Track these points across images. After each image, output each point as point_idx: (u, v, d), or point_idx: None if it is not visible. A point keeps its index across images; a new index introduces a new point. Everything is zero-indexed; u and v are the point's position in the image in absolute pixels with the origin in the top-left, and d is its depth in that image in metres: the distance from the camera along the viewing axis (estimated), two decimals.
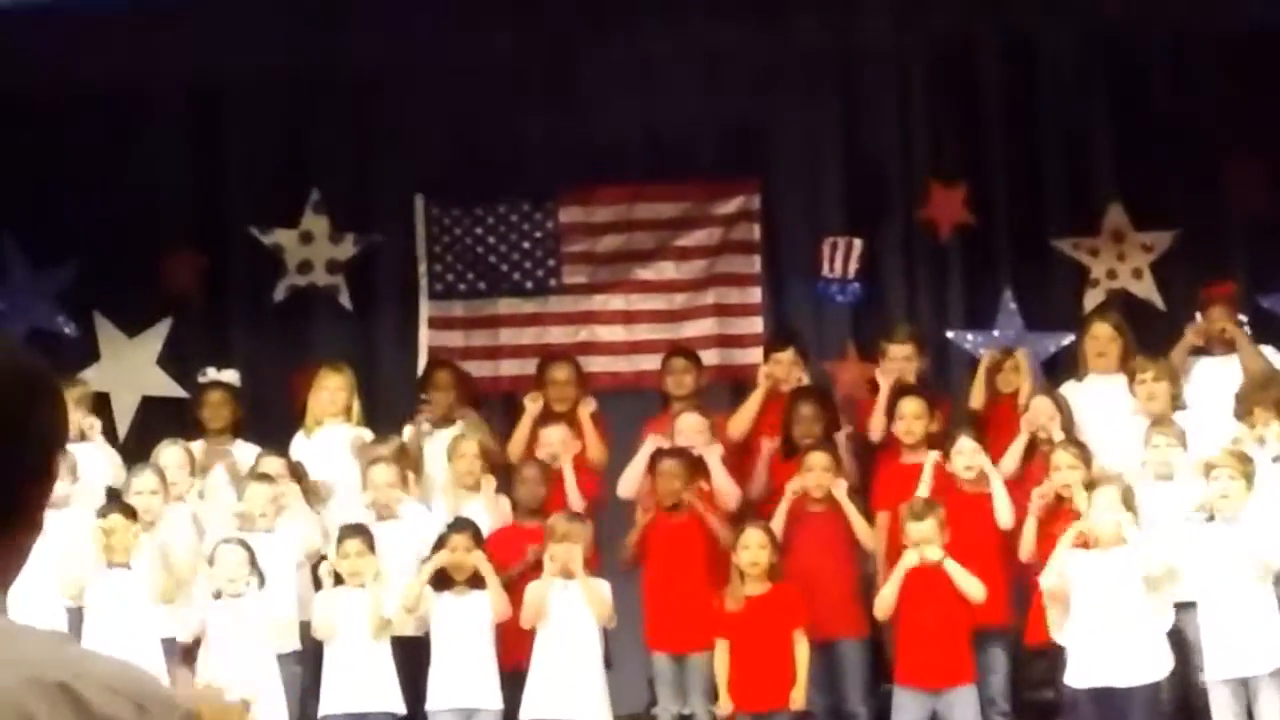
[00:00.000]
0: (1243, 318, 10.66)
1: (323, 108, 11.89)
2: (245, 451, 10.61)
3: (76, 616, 9.65)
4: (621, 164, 11.90)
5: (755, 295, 11.91)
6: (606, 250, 12.01)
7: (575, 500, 10.29)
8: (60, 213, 11.59)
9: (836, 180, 11.91)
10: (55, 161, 11.59)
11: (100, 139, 11.56)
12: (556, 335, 11.90)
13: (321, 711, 9.69)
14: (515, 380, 11.63)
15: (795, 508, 10.04)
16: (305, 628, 9.87)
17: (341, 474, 10.49)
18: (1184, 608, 9.41)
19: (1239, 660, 9.20)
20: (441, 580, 9.79)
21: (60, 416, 2.18)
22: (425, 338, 11.98)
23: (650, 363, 11.42)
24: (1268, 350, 10.50)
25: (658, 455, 10.22)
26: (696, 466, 10.20)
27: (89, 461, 10.12)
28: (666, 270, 12.00)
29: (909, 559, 9.54)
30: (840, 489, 9.98)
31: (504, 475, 10.56)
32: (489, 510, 10.30)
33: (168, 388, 11.82)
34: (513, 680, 9.68)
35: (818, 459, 10.09)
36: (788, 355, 10.92)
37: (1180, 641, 9.38)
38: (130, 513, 9.71)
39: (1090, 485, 9.53)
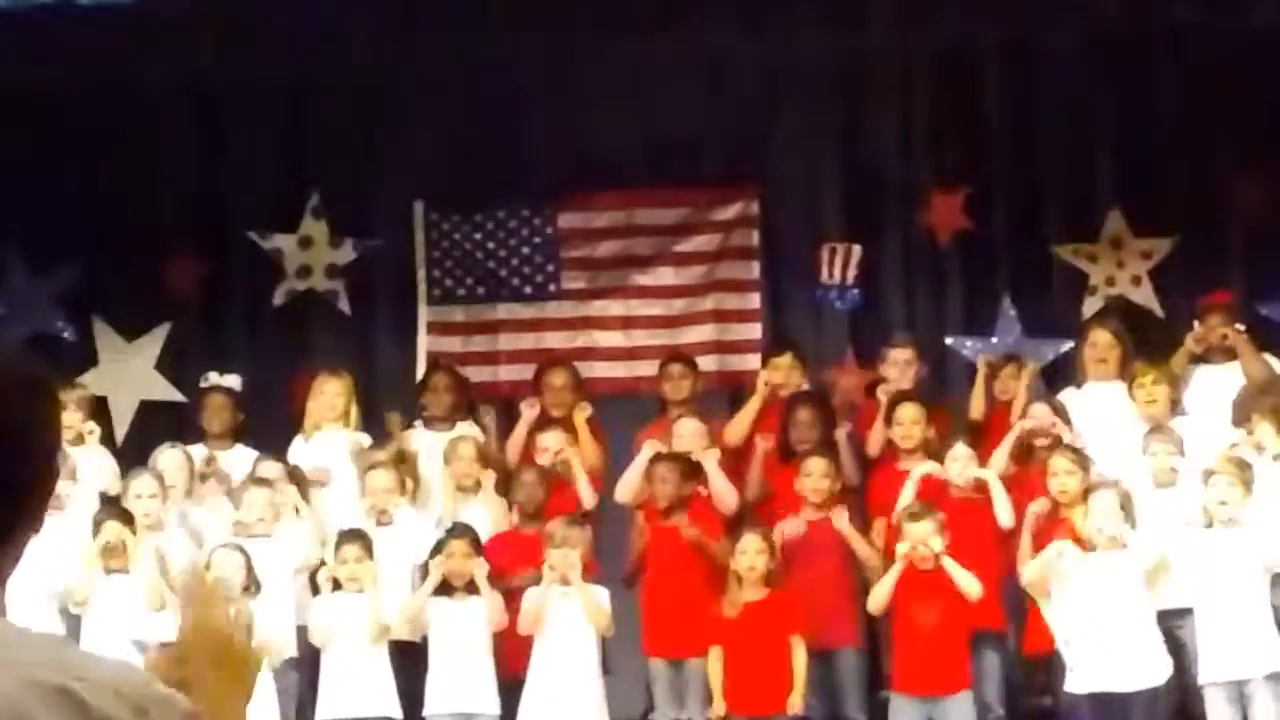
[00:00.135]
0: (1240, 326, 10.66)
1: (323, 113, 11.89)
2: (244, 456, 10.61)
3: (74, 620, 9.65)
4: (621, 169, 11.91)
5: (754, 301, 11.92)
6: (605, 256, 12.02)
7: (587, 495, 10.30)
8: (59, 217, 11.59)
9: (836, 186, 11.91)
10: (55, 165, 11.59)
11: (100, 143, 11.56)
12: (555, 340, 11.90)
13: (319, 716, 9.68)
14: (514, 385, 11.62)
15: (789, 516, 10.06)
16: (302, 633, 9.86)
17: (339, 479, 10.49)
18: (1182, 613, 9.41)
19: (1234, 663, 9.21)
20: (440, 585, 9.79)
21: (60, 419, 2.19)
22: (424, 343, 11.98)
23: (649, 368, 11.42)
24: (1267, 358, 10.51)
25: (655, 459, 10.22)
26: (694, 471, 10.20)
27: (86, 464, 10.12)
28: (665, 276, 12.00)
29: (906, 549, 9.54)
30: (841, 518, 9.94)
31: (502, 480, 10.57)
32: (490, 507, 10.29)
33: (166, 392, 11.82)
34: (513, 688, 9.67)
35: (815, 465, 10.09)
36: (786, 360, 10.93)
37: (1178, 646, 9.38)
38: (127, 518, 9.70)
39: (1087, 491, 9.54)
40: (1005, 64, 11.75)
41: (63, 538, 9.24)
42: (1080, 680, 9.27)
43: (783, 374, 10.85)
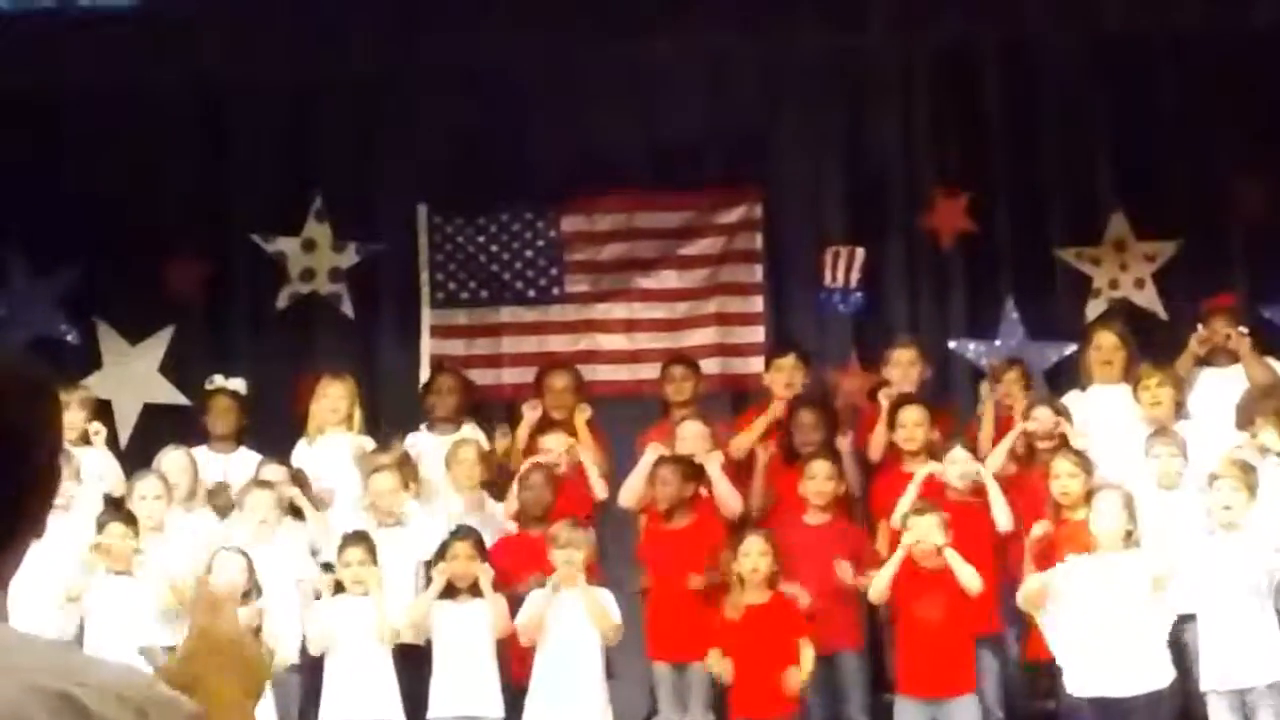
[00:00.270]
0: (1244, 329, 10.65)
1: (325, 116, 11.90)
2: (247, 459, 10.61)
3: (78, 621, 9.65)
4: (624, 172, 11.91)
5: (757, 304, 11.92)
6: (609, 259, 12.02)
7: (599, 487, 10.30)
8: (62, 219, 11.59)
9: (839, 189, 11.91)
10: (57, 167, 11.59)
11: (103, 145, 11.56)
12: (558, 343, 11.91)
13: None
14: (517, 388, 11.61)
15: (793, 519, 10.05)
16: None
17: (343, 482, 10.49)
18: (1185, 617, 9.40)
19: (1238, 671, 9.20)
20: (443, 588, 9.78)
21: (61, 422, 2.19)
22: (427, 346, 11.99)
23: (652, 371, 11.42)
24: (1271, 363, 10.51)
25: (657, 462, 10.21)
26: (696, 473, 10.19)
27: (90, 466, 10.12)
28: (669, 279, 12.00)
29: (908, 540, 9.53)
30: (845, 570, 9.90)
31: (502, 483, 10.59)
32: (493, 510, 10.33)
33: (170, 395, 11.82)
34: (517, 692, 9.66)
35: (819, 468, 10.09)
36: (789, 361, 10.94)
37: (1181, 652, 9.37)
38: (130, 520, 9.70)
39: (1090, 494, 9.53)
40: (1005, 65, 11.75)
41: (67, 539, 9.24)
42: (1082, 684, 9.26)
43: (786, 374, 10.86)
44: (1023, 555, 9.70)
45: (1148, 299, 11.73)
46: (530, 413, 10.85)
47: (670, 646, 9.92)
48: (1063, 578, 9.30)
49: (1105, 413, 10.31)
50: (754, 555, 9.68)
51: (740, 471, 10.52)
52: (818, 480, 10.05)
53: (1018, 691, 9.92)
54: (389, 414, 11.35)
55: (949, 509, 9.73)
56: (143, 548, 9.68)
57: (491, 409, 11.54)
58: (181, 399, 11.71)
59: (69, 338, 11.92)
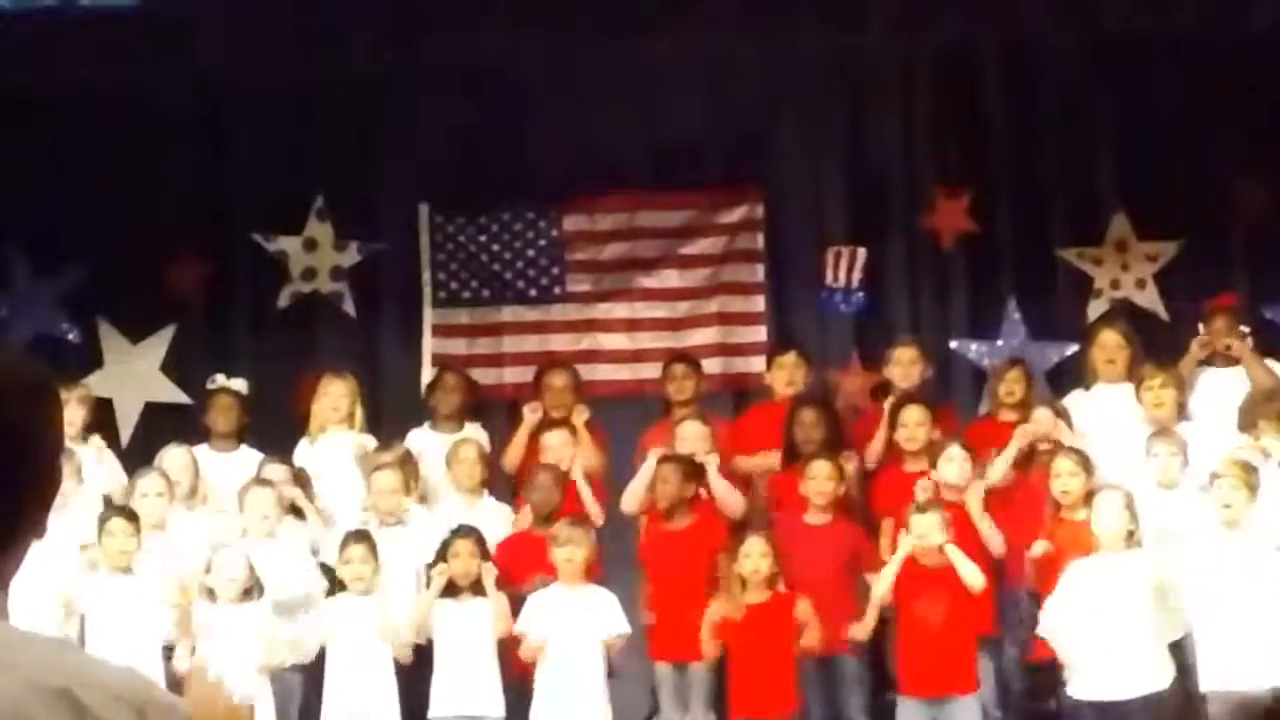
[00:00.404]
0: (1245, 329, 10.66)
1: (327, 115, 11.89)
2: (249, 458, 10.61)
3: (77, 621, 9.64)
4: (625, 172, 11.91)
5: (759, 304, 11.92)
6: (610, 258, 12.02)
7: (595, 514, 10.28)
8: (64, 218, 11.60)
9: (840, 189, 11.91)
10: (59, 167, 11.59)
11: (104, 144, 11.56)
12: (560, 343, 11.91)
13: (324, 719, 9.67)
14: (519, 388, 11.61)
15: (794, 518, 10.06)
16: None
17: (345, 481, 10.49)
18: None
19: (1239, 673, 9.18)
20: (445, 586, 9.78)
21: (62, 422, 2.19)
22: (429, 345, 11.98)
23: (653, 371, 11.42)
24: (1272, 364, 10.51)
25: (658, 461, 10.21)
26: (696, 472, 10.19)
27: (91, 464, 10.12)
28: (670, 278, 12.00)
29: (908, 543, 9.54)
30: (858, 629, 9.88)
31: (504, 484, 10.58)
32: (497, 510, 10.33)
33: (171, 394, 11.82)
34: (520, 690, 9.66)
35: (820, 468, 10.09)
36: (790, 359, 10.95)
37: (1181, 652, 9.37)
38: (131, 517, 9.70)
39: (1090, 494, 9.53)
40: (1006, 65, 11.75)
41: (66, 538, 9.24)
42: (1081, 687, 9.26)
43: (787, 372, 10.86)
44: (1019, 568, 9.72)
45: (1149, 299, 11.73)
46: (530, 415, 10.83)
47: (671, 646, 9.92)
48: (1065, 580, 9.30)
49: (1109, 412, 10.31)
50: (754, 556, 9.67)
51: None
52: (818, 480, 10.05)
53: (1013, 691, 9.92)
54: (390, 413, 11.35)
55: (947, 508, 9.73)
56: (144, 546, 9.67)
57: (492, 408, 11.55)
58: (183, 398, 11.71)
59: (70, 337, 11.92)
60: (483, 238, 12.04)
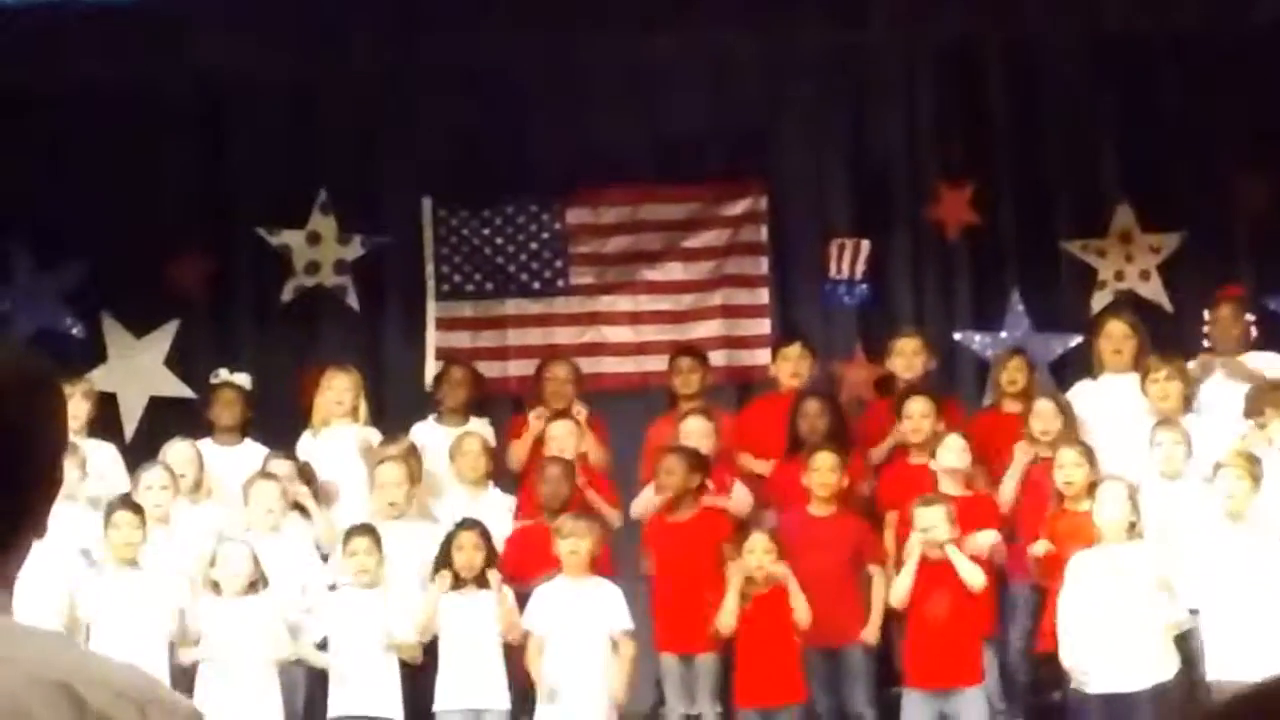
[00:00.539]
0: (1250, 316, 10.65)
1: (329, 109, 11.88)
2: (253, 451, 10.61)
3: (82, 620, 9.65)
4: (629, 165, 11.90)
5: (763, 296, 11.92)
6: (614, 251, 12.01)
7: (613, 517, 10.28)
8: (67, 213, 11.59)
9: (844, 182, 11.91)
10: (62, 162, 11.58)
11: (107, 139, 11.55)
12: (564, 336, 11.90)
13: (330, 714, 9.65)
14: (523, 381, 11.61)
15: (798, 509, 10.06)
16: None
17: (349, 475, 10.49)
18: (1191, 610, 9.40)
19: (1245, 663, 9.17)
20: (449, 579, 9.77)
21: (65, 418, 2.18)
22: (433, 338, 11.98)
23: (657, 364, 11.41)
24: (1273, 356, 10.51)
25: (664, 451, 10.21)
26: (701, 463, 10.18)
27: (94, 459, 10.12)
28: (674, 271, 11.99)
29: (915, 546, 9.54)
30: (870, 637, 9.92)
31: (508, 478, 10.59)
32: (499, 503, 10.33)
33: (175, 388, 11.82)
34: (525, 684, 9.65)
35: (824, 459, 10.08)
36: (795, 350, 10.94)
37: (1187, 643, 9.36)
38: (137, 510, 9.70)
39: (1093, 485, 9.52)
40: (1008, 60, 11.74)
41: (69, 534, 9.23)
42: (1087, 677, 9.26)
43: (792, 364, 10.86)
44: (1022, 564, 9.72)
45: (1153, 291, 11.72)
46: (535, 422, 10.79)
47: (677, 638, 9.92)
48: (1069, 574, 9.30)
49: (1115, 402, 10.30)
50: (758, 552, 9.68)
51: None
52: (822, 471, 10.04)
53: (1020, 684, 9.92)
54: (394, 406, 11.35)
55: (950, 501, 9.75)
56: (148, 539, 9.67)
57: (497, 402, 11.54)
58: (187, 392, 11.71)
59: (74, 332, 11.92)
60: (486, 231, 12.03)
